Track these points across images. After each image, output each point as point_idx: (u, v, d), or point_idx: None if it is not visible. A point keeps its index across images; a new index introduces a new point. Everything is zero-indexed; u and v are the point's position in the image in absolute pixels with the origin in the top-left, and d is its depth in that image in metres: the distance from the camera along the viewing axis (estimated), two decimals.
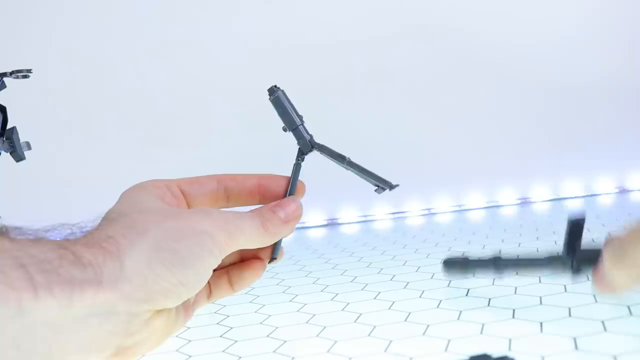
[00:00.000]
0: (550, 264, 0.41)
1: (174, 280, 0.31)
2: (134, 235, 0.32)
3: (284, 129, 0.42)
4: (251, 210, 0.37)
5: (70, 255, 0.29)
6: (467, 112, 4.06)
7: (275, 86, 0.42)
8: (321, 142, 0.42)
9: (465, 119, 4.05)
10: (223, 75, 3.95)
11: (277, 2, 3.94)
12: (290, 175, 0.40)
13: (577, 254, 0.39)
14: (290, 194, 0.39)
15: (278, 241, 0.39)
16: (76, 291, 0.28)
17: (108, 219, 0.34)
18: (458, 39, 3.96)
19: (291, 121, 0.41)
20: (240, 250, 0.40)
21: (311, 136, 0.42)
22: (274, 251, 0.39)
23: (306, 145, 0.42)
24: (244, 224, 0.35)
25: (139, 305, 0.31)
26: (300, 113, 0.42)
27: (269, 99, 0.42)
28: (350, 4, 3.95)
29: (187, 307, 0.36)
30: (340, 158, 0.42)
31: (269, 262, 0.40)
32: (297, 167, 0.41)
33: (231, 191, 0.39)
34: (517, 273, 0.42)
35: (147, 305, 0.31)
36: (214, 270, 0.39)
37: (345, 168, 0.42)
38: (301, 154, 0.42)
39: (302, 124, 0.42)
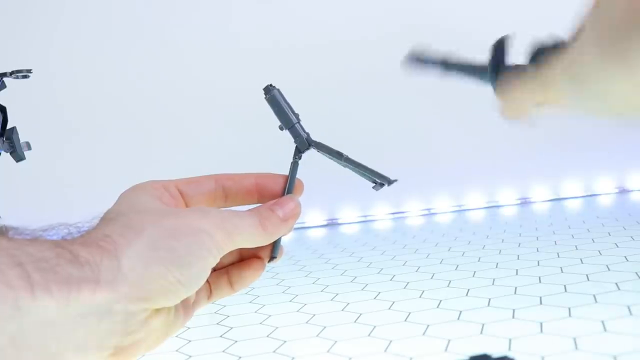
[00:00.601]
0: (481, 74, 0.41)
1: (172, 279, 0.31)
2: (131, 234, 0.31)
3: (281, 128, 0.42)
4: (249, 209, 0.37)
5: (68, 254, 0.29)
6: (467, 112, 4.05)
7: (271, 85, 0.41)
8: (318, 140, 0.42)
9: (465, 119, 4.05)
10: (224, 75, 3.95)
11: (277, 3, 3.94)
12: (288, 174, 0.40)
13: (500, 71, 0.40)
14: (288, 193, 0.39)
15: (277, 240, 0.39)
16: (74, 290, 0.28)
17: (106, 219, 0.34)
18: (458, 39, 3.95)
19: (287, 119, 0.41)
20: (240, 249, 0.39)
21: (308, 134, 0.42)
22: (273, 250, 0.39)
23: (303, 144, 0.42)
24: (242, 223, 0.35)
25: (136, 304, 0.30)
26: (296, 111, 0.42)
27: (265, 97, 0.41)
28: (349, 4, 3.95)
29: (186, 307, 0.36)
30: (337, 155, 0.41)
31: (269, 261, 0.40)
32: (294, 166, 0.40)
33: (229, 190, 0.39)
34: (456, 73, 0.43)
35: (145, 304, 0.31)
36: (214, 270, 0.39)
37: (343, 165, 0.42)
38: (298, 152, 0.42)
39: (299, 122, 0.42)
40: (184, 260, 0.32)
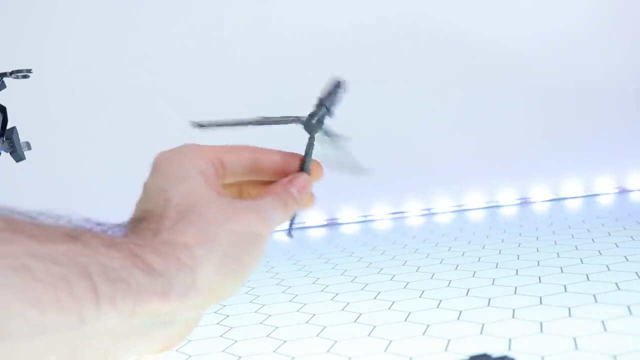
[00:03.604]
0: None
1: (234, 288, 0.32)
2: (208, 245, 0.32)
3: (321, 102, 0.41)
4: (270, 194, 0.37)
5: (141, 264, 0.29)
6: (467, 113, 4.06)
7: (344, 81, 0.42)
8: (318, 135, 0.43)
9: (466, 120, 4.05)
10: (224, 78, 3.95)
11: (274, 6, 3.93)
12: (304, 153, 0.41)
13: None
14: (303, 170, 0.40)
15: (292, 221, 0.40)
16: (141, 301, 0.28)
17: (175, 212, 0.33)
18: (458, 40, 3.96)
19: (332, 101, 0.41)
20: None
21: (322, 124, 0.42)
22: (290, 228, 0.41)
23: (315, 127, 0.42)
24: (277, 213, 0.36)
25: (198, 312, 0.31)
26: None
27: (337, 85, 0.41)
28: (354, 9, 3.95)
29: None
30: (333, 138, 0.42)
31: (288, 235, 0.42)
32: (309, 144, 0.41)
33: (263, 164, 0.39)
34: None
35: (204, 311, 0.32)
36: None
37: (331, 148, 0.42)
38: (312, 134, 0.42)
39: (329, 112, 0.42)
40: (247, 269, 0.33)
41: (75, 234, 0.28)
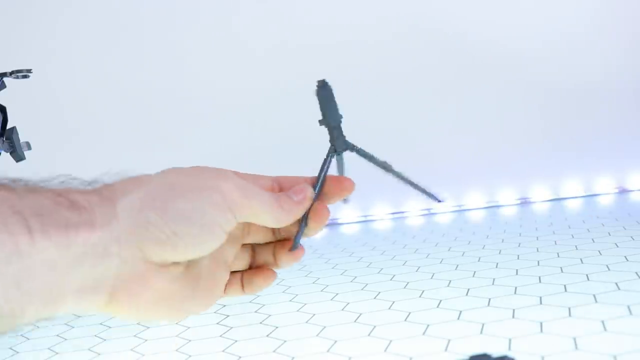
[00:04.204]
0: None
1: (167, 230, 0.32)
2: (133, 185, 0.33)
3: (321, 123, 0.42)
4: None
5: (66, 202, 0.30)
6: (467, 112, 4.06)
7: (325, 81, 0.41)
8: (358, 146, 0.43)
9: (465, 119, 4.05)
10: (227, 76, 3.95)
11: (280, 4, 3.93)
12: (321, 172, 0.42)
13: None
14: (318, 187, 0.40)
15: (298, 233, 0.40)
16: (71, 232, 0.30)
17: (123, 177, 0.35)
18: (458, 40, 3.96)
19: (335, 118, 0.41)
20: (256, 253, 0.41)
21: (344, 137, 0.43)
22: (295, 241, 0.41)
23: (342, 145, 0.42)
24: (259, 192, 0.36)
25: (130, 249, 0.31)
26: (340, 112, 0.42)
27: (317, 92, 0.41)
28: (354, 7, 3.95)
29: (205, 287, 0.37)
30: (382, 165, 0.42)
31: (291, 250, 0.41)
32: (324, 163, 0.41)
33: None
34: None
35: (139, 252, 0.32)
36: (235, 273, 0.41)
37: (387, 173, 0.43)
38: (334, 152, 0.42)
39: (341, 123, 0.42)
40: (182, 213, 0.32)
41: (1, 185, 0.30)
